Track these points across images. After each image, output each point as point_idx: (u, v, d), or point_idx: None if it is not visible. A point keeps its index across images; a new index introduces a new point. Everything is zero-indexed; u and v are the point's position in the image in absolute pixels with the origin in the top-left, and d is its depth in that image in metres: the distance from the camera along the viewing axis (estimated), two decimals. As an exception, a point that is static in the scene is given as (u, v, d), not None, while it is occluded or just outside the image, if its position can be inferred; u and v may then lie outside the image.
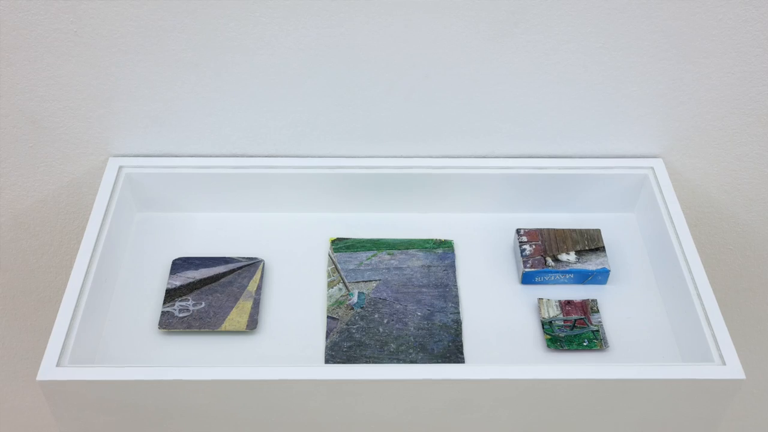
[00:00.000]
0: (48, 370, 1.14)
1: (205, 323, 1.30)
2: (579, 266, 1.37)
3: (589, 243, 1.40)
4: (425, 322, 1.32)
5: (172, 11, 1.27)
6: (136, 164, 1.43)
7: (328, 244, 1.44)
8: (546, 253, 1.39)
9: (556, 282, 1.38)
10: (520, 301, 1.36)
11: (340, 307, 1.34)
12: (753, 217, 1.58)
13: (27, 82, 1.34)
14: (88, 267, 1.27)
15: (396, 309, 1.34)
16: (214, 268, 1.38)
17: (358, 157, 1.45)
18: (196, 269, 1.38)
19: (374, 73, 1.35)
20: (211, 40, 1.30)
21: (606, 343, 1.29)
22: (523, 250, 1.39)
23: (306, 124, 1.42)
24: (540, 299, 1.35)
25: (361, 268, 1.40)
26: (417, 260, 1.41)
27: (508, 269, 1.41)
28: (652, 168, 1.45)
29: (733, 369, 1.16)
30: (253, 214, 1.48)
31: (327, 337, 1.30)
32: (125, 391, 1.15)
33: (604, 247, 1.40)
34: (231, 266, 1.39)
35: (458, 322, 1.32)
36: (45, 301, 1.71)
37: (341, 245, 1.43)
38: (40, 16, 1.27)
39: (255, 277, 1.37)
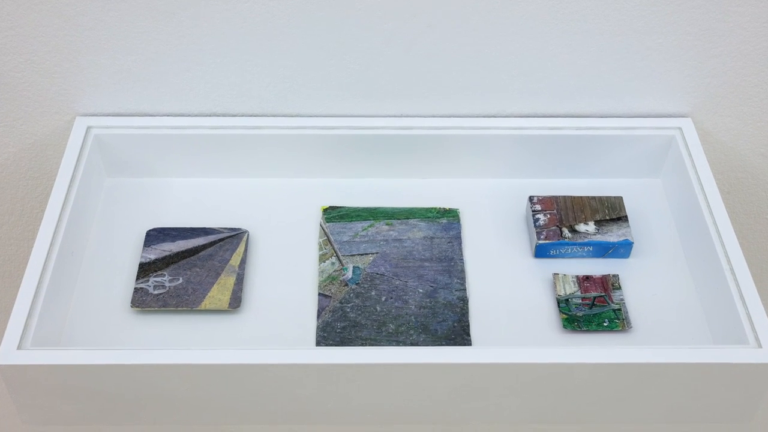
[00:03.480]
0: (8, 354, 1.14)
1: (183, 301, 1.30)
2: (599, 238, 1.37)
3: (610, 212, 1.40)
4: (428, 300, 1.32)
5: (143, -48, 1.27)
6: (106, 124, 1.43)
7: (320, 214, 1.44)
8: (562, 223, 1.39)
9: (573, 255, 1.38)
10: (533, 277, 1.36)
11: (332, 284, 1.34)
12: (791, 184, 1.59)
13: (-18, 32, 1.35)
14: (53, 239, 1.27)
15: (395, 285, 1.34)
16: (192, 240, 1.38)
17: (353, 116, 1.46)
18: (173, 241, 1.38)
19: (371, 22, 1.35)
20: (188, -16, 1.30)
21: (629, 323, 1.29)
22: (536, 220, 1.39)
23: (295, 79, 1.41)
24: (555, 275, 1.35)
25: (357, 239, 1.40)
26: (418, 231, 1.41)
27: (520, 241, 1.41)
28: (680, 128, 1.46)
29: (770, 352, 1.17)
30: (237, 180, 1.49)
31: (318, 316, 1.30)
32: (94, 377, 1.15)
33: (626, 216, 1.40)
34: (212, 238, 1.39)
35: (464, 300, 1.32)
36: (5, 277, 1.71)
37: (334, 214, 1.43)
38: (-5, -42, 1.27)
39: (238, 249, 1.37)
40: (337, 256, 1.37)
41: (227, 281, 1.33)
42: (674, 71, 1.41)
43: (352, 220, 1.42)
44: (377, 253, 1.38)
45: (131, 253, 1.38)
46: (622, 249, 1.37)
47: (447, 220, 1.43)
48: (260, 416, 1.23)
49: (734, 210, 1.62)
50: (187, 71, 1.40)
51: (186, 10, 1.32)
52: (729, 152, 1.53)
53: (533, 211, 1.40)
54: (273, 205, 1.45)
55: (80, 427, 1.24)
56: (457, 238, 1.40)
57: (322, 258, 1.37)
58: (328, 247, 1.38)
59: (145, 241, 1.37)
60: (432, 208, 1.44)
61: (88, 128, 1.43)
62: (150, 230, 1.39)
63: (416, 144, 1.45)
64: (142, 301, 1.30)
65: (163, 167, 1.47)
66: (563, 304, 1.31)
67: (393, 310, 1.30)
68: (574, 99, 1.45)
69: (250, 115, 1.46)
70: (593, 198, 1.42)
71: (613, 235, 1.37)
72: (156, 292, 1.31)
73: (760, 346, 1.17)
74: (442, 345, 1.25)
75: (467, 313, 1.30)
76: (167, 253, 1.36)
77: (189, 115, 1.45)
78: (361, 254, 1.38)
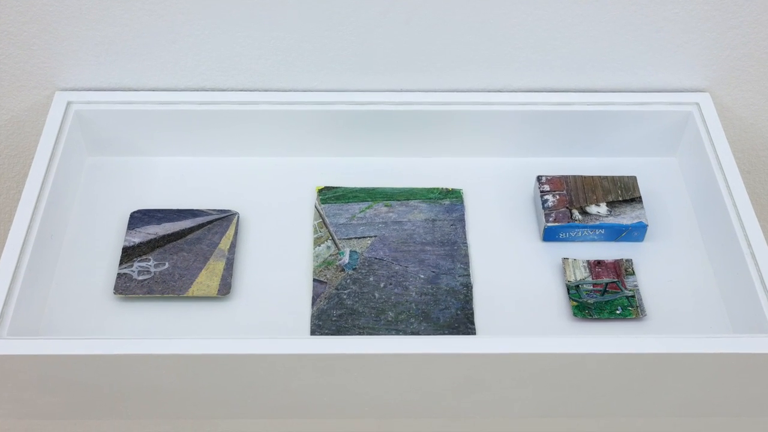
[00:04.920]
0: (-17, 343, 1.14)
1: (169, 287, 1.30)
2: (611, 220, 1.37)
3: (623, 193, 1.40)
4: (429, 287, 1.32)
5: None
6: (87, 99, 1.44)
7: (315, 194, 1.44)
8: (572, 204, 1.39)
9: (583, 239, 1.38)
10: (542, 262, 1.37)
11: (328, 269, 1.34)
12: (815, 163, 1.59)
13: (-45, 1, 1.34)
14: (31, 221, 1.27)
15: (395, 271, 1.33)
16: (179, 223, 1.38)
17: (350, 91, 1.46)
18: (159, 224, 1.38)
19: (369, -10, 1.35)
20: (173, -51, 1.31)
21: (643, 310, 1.30)
22: (545, 202, 1.39)
23: (288, 52, 1.41)
24: (565, 259, 1.35)
25: (354, 222, 1.40)
26: (419, 213, 1.41)
27: (527, 224, 1.42)
28: (698, 104, 1.46)
29: (793, 341, 1.17)
30: (226, 159, 1.49)
31: (313, 303, 1.30)
32: (74, 368, 1.15)
33: (640, 197, 1.40)
34: (199, 220, 1.38)
35: (468, 287, 1.32)
36: (-18, 262, 1.70)
37: (330, 195, 1.43)
38: None
39: (228, 233, 1.37)
40: (333, 239, 1.37)
41: (216, 266, 1.32)
42: (691, 43, 1.41)
43: (348, 202, 1.42)
44: (375, 236, 1.38)
45: (114, 236, 1.37)
46: (636, 232, 1.37)
47: (450, 201, 1.42)
48: (251, 410, 1.23)
49: (755, 190, 1.62)
50: (174, 43, 1.40)
51: (172, -23, 1.33)
52: (749, 129, 1.53)
53: (541, 191, 1.40)
54: (265, 185, 1.45)
55: (60, 421, 1.24)
56: (461, 220, 1.40)
57: (317, 242, 1.37)
58: (324, 230, 1.38)
59: (128, 224, 1.37)
60: (434, 188, 1.44)
61: (69, 103, 1.43)
62: (134, 212, 1.39)
63: (417, 120, 1.45)
64: (125, 288, 1.29)
65: (148, 145, 1.47)
66: (573, 290, 1.31)
67: (392, 297, 1.30)
68: (585, 72, 1.45)
69: (241, 90, 1.46)
70: (605, 178, 1.42)
71: (626, 217, 1.37)
72: (140, 277, 1.31)
73: (782, 335, 1.18)
74: (444, 334, 1.25)
75: (471, 300, 1.30)
76: (152, 237, 1.36)
77: (176, 90, 1.46)
78: (359, 237, 1.38)
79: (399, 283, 1.32)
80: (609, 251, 1.38)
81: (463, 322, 1.28)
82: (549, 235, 1.38)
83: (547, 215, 1.37)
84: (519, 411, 1.24)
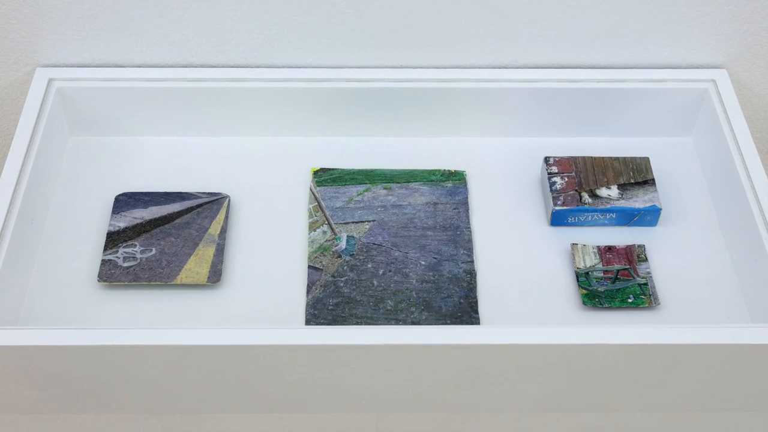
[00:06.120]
0: (-41, 334, 1.14)
1: (156, 275, 1.30)
2: (623, 204, 1.37)
3: (636, 175, 1.40)
4: (431, 274, 1.32)
5: None
6: (70, 76, 1.44)
7: (310, 176, 1.44)
8: (581, 187, 1.39)
9: (593, 223, 1.38)
10: (549, 248, 1.37)
11: (324, 255, 1.34)
12: (837, 143, 1.59)
13: (-71, -28, 1.35)
14: (10, 204, 1.28)
15: (394, 257, 1.33)
16: (167, 206, 1.38)
17: (347, 67, 1.46)
18: (145, 207, 1.37)
19: (367, -41, 1.35)
20: None
21: (656, 299, 1.29)
22: (552, 184, 1.39)
23: (282, 25, 1.41)
24: (574, 245, 1.35)
25: (351, 205, 1.40)
26: (420, 196, 1.41)
27: (535, 207, 1.42)
28: (714, 81, 1.46)
29: (815, 332, 1.16)
30: (216, 139, 1.49)
31: (308, 292, 1.30)
32: (56, 360, 1.15)
33: (653, 179, 1.40)
34: (188, 203, 1.38)
35: (471, 274, 1.32)
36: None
37: (326, 177, 1.43)
38: None
39: (218, 217, 1.37)
40: (329, 224, 1.37)
41: (206, 252, 1.32)
42: (708, 16, 1.41)
43: (345, 184, 1.42)
44: (374, 220, 1.38)
45: (98, 220, 1.37)
46: (649, 216, 1.37)
47: (452, 183, 1.42)
48: (242, 405, 1.23)
49: (774, 172, 1.62)
50: (161, 16, 1.39)
51: (158, -54, 1.33)
52: (768, 107, 1.53)
53: (549, 173, 1.40)
54: (257, 166, 1.45)
55: (40, 416, 1.24)
56: (464, 203, 1.40)
57: (313, 226, 1.37)
58: (319, 214, 1.38)
59: (113, 208, 1.37)
60: (436, 170, 1.44)
61: (50, 80, 1.43)
62: (119, 195, 1.39)
63: (418, 98, 1.44)
64: (110, 275, 1.29)
65: (134, 124, 1.47)
66: (583, 277, 1.31)
67: (392, 285, 1.30)
68: (595, 48, 1.45)
69: (232, 66, 1.46)
70: (616, 159, 1.42)
71: (638, 200, 1.37)
72: (126, 264, 1.31)
73: (803, 325, 1.18)
74: (446, 324, 1.25)
75: (475, 288, 1.30)
76: (138, 221, 1.35)
77: (163, 66, 1.45)
78: (356, 222, 1.38)
79: (399, 270, 1.32)
80: (620, 236, 1.37)
81: (466, 312, 1.27)
82: (557, 220, 1.37)
83: (555, 198, 1.37)
84: (525, 405, 1.24)
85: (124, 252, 1.32)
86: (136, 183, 1.42)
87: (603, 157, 1.42)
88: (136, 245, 1.33)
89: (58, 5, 1.37)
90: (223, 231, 1.35)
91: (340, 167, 1.45)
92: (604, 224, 1.38)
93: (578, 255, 1.33)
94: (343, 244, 1.35)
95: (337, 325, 1.25)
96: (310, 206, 1.39)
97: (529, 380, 1.20)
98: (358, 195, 1.41)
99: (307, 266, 1.32)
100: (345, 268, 1.32)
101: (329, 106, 1.45)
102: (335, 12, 1.39)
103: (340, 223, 1.37)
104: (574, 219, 1.37)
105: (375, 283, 1.31)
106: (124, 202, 1.38)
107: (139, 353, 1.14)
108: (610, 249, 1.34)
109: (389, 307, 1.28)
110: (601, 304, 1.28)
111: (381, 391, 1.21)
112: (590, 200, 1.37)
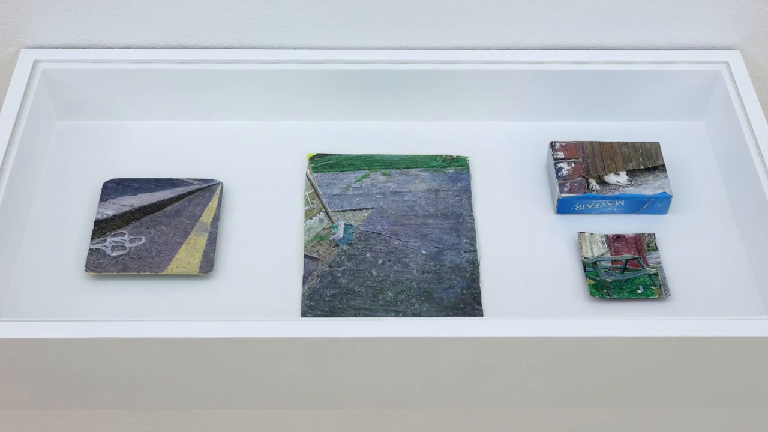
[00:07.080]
0: (-60, 327, 1.14)
1: (146, 264, 1.30)
2: (632, 190, 1.37)
3: (645, 160, 1.40)
4: (432, 263, 1.31)
5: None
6: (56, 58, 1.44)
7: (306, 162, 1.44)
8: (588, 173, 1.38)
9: (601, 211, 1.38)
10: (555, 236, 1.37)
11: (321, 244, 1.33)
12: None
13: None
14: None
15: (394, 246, 1.33)
16: (157, 193, 1.38)
17: (345, 48, 1.46)
18: (134, 194, 1.38)
19: (365, -64, 1.36)
20: None
21: (667, 290, 1.29)
22: (559, 170, 1.38)
23: (276, 5, 1.41)
24: (581, 234, 1.35)
25: (349, 192, 1.39)
26: (421, 183, 1.41)
27: (540, 194, 1.41)
28: (727, 62, 1.46)
29: (832, 324, 1.16)
30: (208, 123, 1.49)
31: (304, 282, 1.29)
32: (42, 353, 1.15)
33: (664, 165, 1.40)
34: (179, 190, 1.38)
35: (474, 263, 1.31)
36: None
37: (323, 163, 1.43)
38: None
39: (211, 204, 1.37)
40: (326, 211, 1.37)
41: (197, 241, 1.32)
42: None
43: (343, 170, 1.42)
44: (373, 208, 1.38)
45: (85, 208, 1.37)
46: (659, 203, 1.37)
47: (454, 169, 1.42)
48: (236, 399, 1.23)
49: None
50: None
51: None
52: (784, 90, 1.53)
53: (555, 159, 1.40)
54: (251, 152, 1.45)
55: (26, 412, 1.26)
56: (466, 190, 1.40)
57: (309, 214, 1.37)
58: (316, 202, 1.38)
59: (101, 195, 1.37)
60: (437, 155, 1.44)
61: (36, 62, 1.43)
62: (107, 182, 1.39)
63: (418, 81, 1.44)
64: (98, 265, 1.29)
65: (122, 108, 1.47)
66: (590, 267, 1.31)
67: (391, 275, 1.30)
68: (603, 28, 1.45)
69: (225, 48, 1.46)
70: (625, 144, 1.42)
71: (648, 187, 1.37)
72: (114, 253, 1.30)
73: (820, 316, 1.18)
74: (448, 315, 1.25)
75: (478, 278, 1.30)
76: (127, 209, 1.36)
77: (153, 48, 1.46)
78: (354, 210, 1.37)
79: (399, 259, 1.32)
80: (629, 225, 1.37)
81: (469, 303, 1.27)
82: (563, 207, 1.37)
83: (561, 185, 1.37)
84: (530, 401, 1.24)
85: (113, 241, 1.32)
86: (125, 169, 1.42)
87: (611, 142, 1.42)
88: (125, 234, 1.33)
89: (44, -16, 1.38)
90: (216, 219, 1.35)
91: (337, 152, 1.45)
92: (612, 212, 1.38)
93: (585, 244, 1.33)
94: (340, 233, 1.34)
95: (335, 317, 1.25)
96: (307, 193, 1.39)
97: (534, 375, 1.20)
98: (356, 181, 1.41)
99: (303, 256, 1.32)
100: (342, 257, 1.32)
101: (326, 88, 1.45)
102: (332, -9, 1.40)
103: (338, 211, 1.37)
104: (581, 206, 1.37)
105: (374, 273, 1.30)
106: (113, 188, 1.37)
107: (128, 346, 1.14)
108: (618, 238, 1.34)
109: (389, 299, 1.28)
110: (609, 295, 1.28)
111: (380, 385, 1.21)
112: (598, 187, 1.36)
